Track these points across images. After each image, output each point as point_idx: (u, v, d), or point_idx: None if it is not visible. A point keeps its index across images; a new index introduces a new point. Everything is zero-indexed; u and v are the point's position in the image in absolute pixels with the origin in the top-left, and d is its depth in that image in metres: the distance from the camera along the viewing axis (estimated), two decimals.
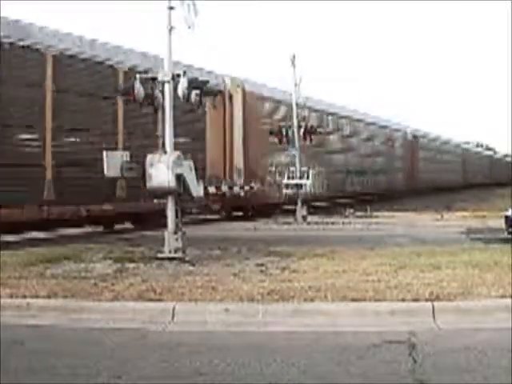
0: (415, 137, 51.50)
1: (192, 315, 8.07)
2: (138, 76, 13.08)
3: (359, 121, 40.44)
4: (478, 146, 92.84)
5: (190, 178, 12.65)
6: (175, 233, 12.51)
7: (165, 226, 12.69)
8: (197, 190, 12.90)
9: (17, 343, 7.11)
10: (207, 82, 13.36)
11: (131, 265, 11.52)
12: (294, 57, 25.70)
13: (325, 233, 19.62)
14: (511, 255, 11.05)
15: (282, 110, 28.46)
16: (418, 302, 8.09)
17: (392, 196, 41.32)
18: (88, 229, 20.06)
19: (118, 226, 20.97)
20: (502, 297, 8.18)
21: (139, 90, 12.79)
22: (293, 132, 25.83)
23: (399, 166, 47.36)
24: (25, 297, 8.76)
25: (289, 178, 25.43)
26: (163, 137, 12.87)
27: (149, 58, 20.23)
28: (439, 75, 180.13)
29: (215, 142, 24.47)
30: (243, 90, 25.75)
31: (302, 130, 26.10)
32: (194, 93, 12.77)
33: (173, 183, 12.32)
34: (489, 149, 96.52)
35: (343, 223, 23.13)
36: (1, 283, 9.43)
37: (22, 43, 16.61)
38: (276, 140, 26.23)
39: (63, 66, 17.78)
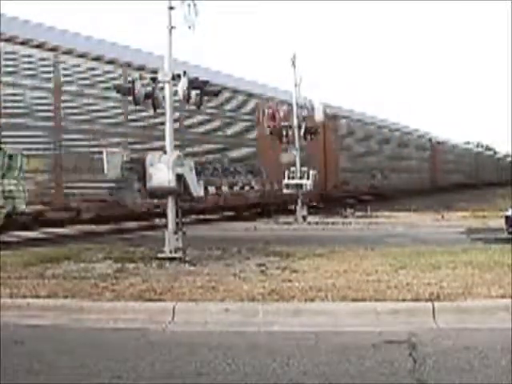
0: (333, 117, 34.55)
1: (192, 315, 8.07)
2: (138, 75, 13.09)
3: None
4: (478, 146, 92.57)
5: (191, 177, 12.65)
6: (175, 233, 12.52)
7: None
8: (197, 190, 12.91)
9: (17, 343, 7.11)
10: (207, 82, 13.35)
11: (131, 265, 11.52)
12: (294, 57, 25.74)
13: (325, 233, 19.63)
14: (511, 255, 11.05)
15: None
16: (418, 302, 8.09)
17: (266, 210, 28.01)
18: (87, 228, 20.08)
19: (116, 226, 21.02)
20: (502, 297, 8.18)
21: (140, 89, 12.80)
22: (293, 132, 25.88)
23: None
24: (25, 297, 8.77)
25: (289, 178, 25.46)
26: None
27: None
28: (440, 75, 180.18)
29: None
30: None
31: (303, 130, 26.16)
32: (194, 93, 12.78)
33: (173, 183, 12.33)
34: (489, 149, 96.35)
35: (343, 223, 23.14)
36: (1, 283, 9.44)
37: None
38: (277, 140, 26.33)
39: None
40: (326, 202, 32.52)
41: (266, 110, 27.35)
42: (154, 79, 12.97)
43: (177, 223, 12.68)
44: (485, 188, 58.95)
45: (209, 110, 24.14)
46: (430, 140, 57.03)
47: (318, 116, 32.09)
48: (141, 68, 19.21)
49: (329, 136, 34.47)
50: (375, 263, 10.98)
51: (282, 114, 27.15)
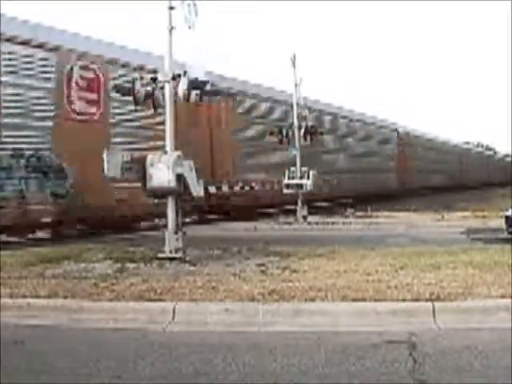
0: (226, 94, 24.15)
1: (192, 315, 8.07)
2: (138, 76, 13.09)
3: None
4: (478, 146, 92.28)
5: (191, 177, 12.65)
6: (175, 233, 12.51)
7: None
8: (197, 190, 12.90)
9: (17, 343, 7.11)
10: (207, 81, 13.35)
11: (131, 265, 11.52)
12: (294, 57, 25.74)
13: (325, 233, 19.64)
14: (511, 255, 11.05)
15: None
16: (418, 302, 8.08)
17: None
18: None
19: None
20: (502, 297, 8.17)
21: (140, 89, 12.80)
22: (293, 132, 25.88)
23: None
24: (25, 297, 8.76)
25: (289, 178, 25.46)
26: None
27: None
28: (440, 75, 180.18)
29: None
30: None
31: (303, 130, 26.17)
32: (194, 93, 12.78)
33: (173, 183, 12.32)
34: (489, 149, 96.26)
35: (343, 223, 23.15)
36: (1, 283, 9.43)
37: None
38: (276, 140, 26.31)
39: None
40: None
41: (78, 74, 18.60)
42: (154, 79, 12.97)
43: (177, 223, 12.67)
44: (471, 191, 51.33)
45: None
46: (395, 131, 46.49)
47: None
48: (140, 68, 19.20)
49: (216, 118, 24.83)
50: (375, 263, 10.97)
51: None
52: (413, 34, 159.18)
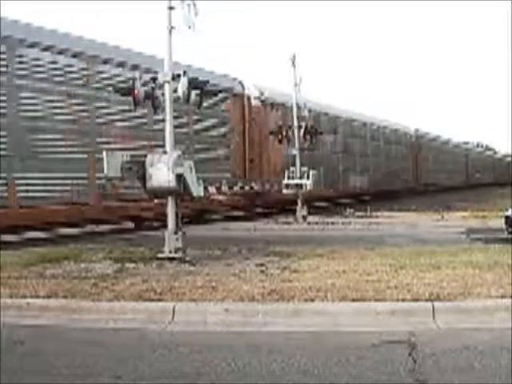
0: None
1: (192, 315, 8.07)
2: (138, 76, 13.08)
3: None
4: (478, 146, 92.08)
5: (191, 177, 12.64)
6: (175, 233, 12.51)
7: None
8: (197, 190, 12.90)
9: (17, 343, 7.11)
10: (207, 81, 13.35)
11: (131, 265, 11.52)
12: (294, 57, 25.74)
13: (325, 233, 19.63)
14: (511, 255, 11.05)
15: None
16: (418, 302, 8.09)
17: None
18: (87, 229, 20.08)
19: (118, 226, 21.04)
20: (502, 297, 8.17)
21: (140, 89, 12.79)
22: (293, 132, 25.88)
23: None
24: (25, 297, 8.76)
25: (289, 178, 25.46)
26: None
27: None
28: (439, 75, 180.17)
29: None
30: None
31: (303, 130, 26.17)
32: (193, 93, 12.77)
33: (173, 183, 12.32)
34: (489, 149, 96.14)
35: (343, 223, 23.14)
36: (1, 283, 9.43)
37: None
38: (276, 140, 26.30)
39: None
40: None
41: None
42: (154, 79, 12.96)
43: (176, 223, 12.67)
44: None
45: None
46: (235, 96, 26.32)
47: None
48: (140, 68, 19.18)
49: None
50: (375, 263, 10.97)
51: None
52: (413, 33, 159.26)
